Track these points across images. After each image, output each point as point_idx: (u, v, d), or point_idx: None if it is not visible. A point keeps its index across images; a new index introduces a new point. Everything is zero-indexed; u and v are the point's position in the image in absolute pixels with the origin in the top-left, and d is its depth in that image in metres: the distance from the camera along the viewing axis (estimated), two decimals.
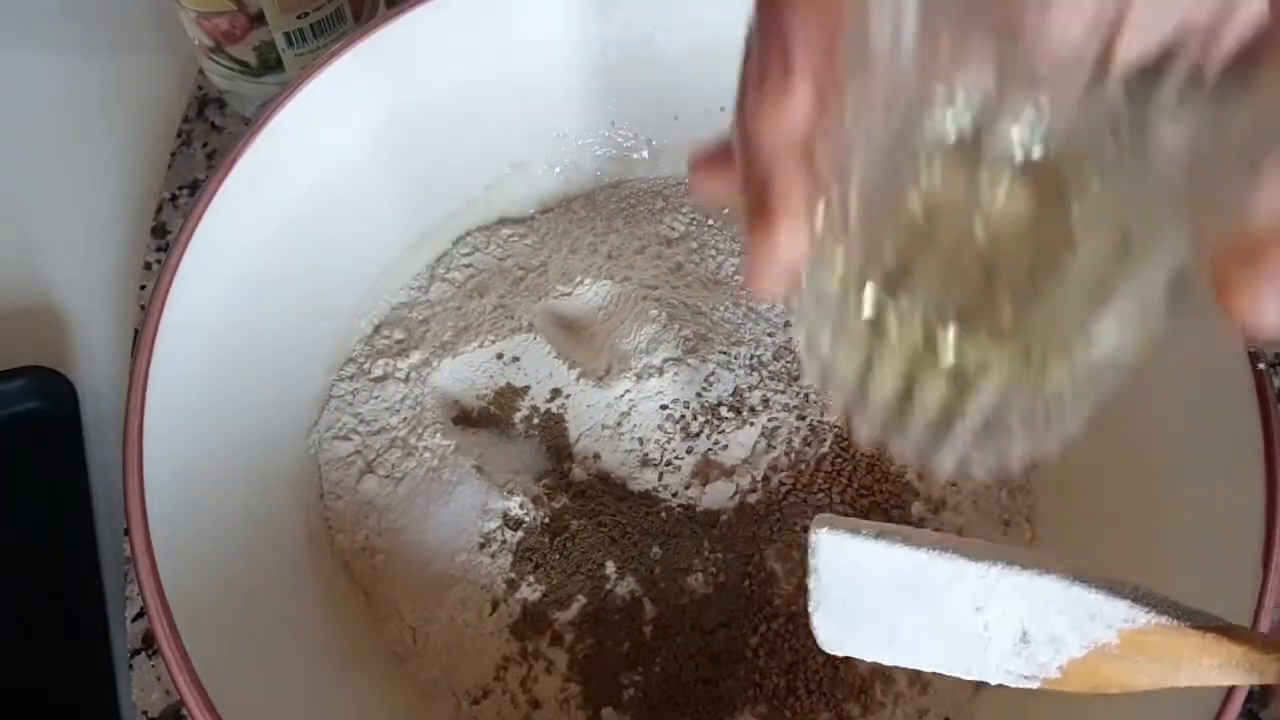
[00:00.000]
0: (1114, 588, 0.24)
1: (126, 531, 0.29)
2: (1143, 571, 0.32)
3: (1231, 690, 0.28)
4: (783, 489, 0.36)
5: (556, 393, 0.38)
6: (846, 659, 0.34)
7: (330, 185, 0.38)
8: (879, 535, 0.24)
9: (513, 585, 0.35)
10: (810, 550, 0.25)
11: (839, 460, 0.37)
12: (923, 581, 0.24)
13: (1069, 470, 0.36)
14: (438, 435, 0.38)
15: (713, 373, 0.37)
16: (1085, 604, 0.24)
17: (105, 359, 0.43)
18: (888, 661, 0.25)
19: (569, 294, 0.39)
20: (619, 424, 0.37)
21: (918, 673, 0.34)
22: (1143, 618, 0.24)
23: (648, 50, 0.41)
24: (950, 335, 0.19)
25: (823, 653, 0.34)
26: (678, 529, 0.35)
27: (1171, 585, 0.31)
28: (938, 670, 0.25)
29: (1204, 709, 0.28)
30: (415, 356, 0.39)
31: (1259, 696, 0.36)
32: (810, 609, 0.25)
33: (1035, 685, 0.24)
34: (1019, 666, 0.24)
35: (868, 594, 0.24)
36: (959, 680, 0.35)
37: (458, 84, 0.39)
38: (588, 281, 0.39)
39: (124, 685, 0.37)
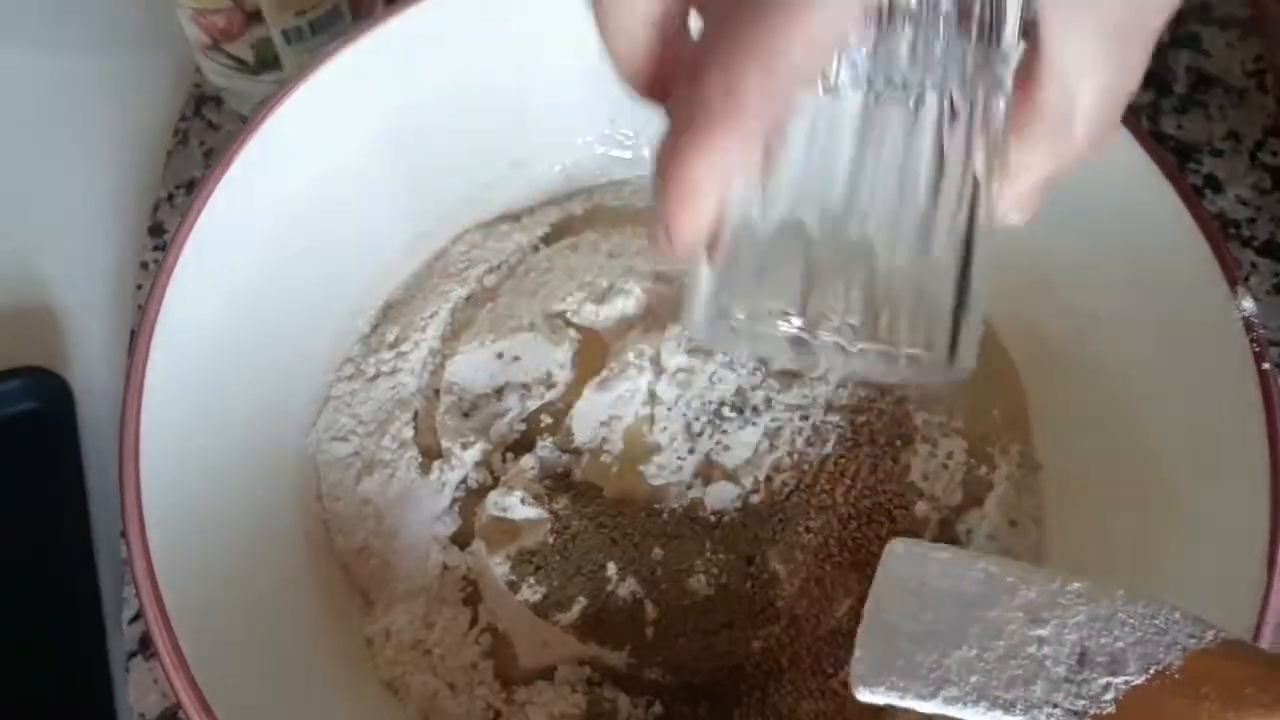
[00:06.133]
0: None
1: (123, 533, 0.29)
2: (1148, 572, 0.32)
3: None
4: (785, 490, 0.36)
5: (557, 392, 0.38)
6: (849, 661, 0.34)
7: (328, 183, 0.37)
8: (950, 549, 0.24)
9: (513, 587, 0.34)
10: (881, 563, 0.24)
11: (842, 461, 0.36)
12: (987, 592, 0.23)
13: (1075, 472, 0.36)
14: (438, 436, 0.37)
15: (715, 373, 0.36)
16: (1152, 616, 0.23)
17: (101, 359, 0.43)
18: (922, 706, 0.23)
19: (570, 293, 0.39)
20: (619, 424, 0.37)
21: None
22: (1210, 634, 0.23)
23: None
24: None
25: (826, 650, 0.34)
26: (680, 530, 0.35)
27: (1176, 587, 0.31)
28: (977, 717, 0.23)
29: None
30: (414, 356, 0.39)
31: None
32: (860, 633, 0.24)
33: None
34: (1069, 700, 0.23)
35: (928, 609, 0.24)
36: None
37: (457, 81, 0.39)
38: (588, 280, 0.39)
39: (121, 688, 0.36)
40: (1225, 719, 0.22)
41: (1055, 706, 0.23)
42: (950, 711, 0.23)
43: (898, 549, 0.25)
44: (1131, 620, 0.23)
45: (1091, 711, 0.22)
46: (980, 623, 0.23)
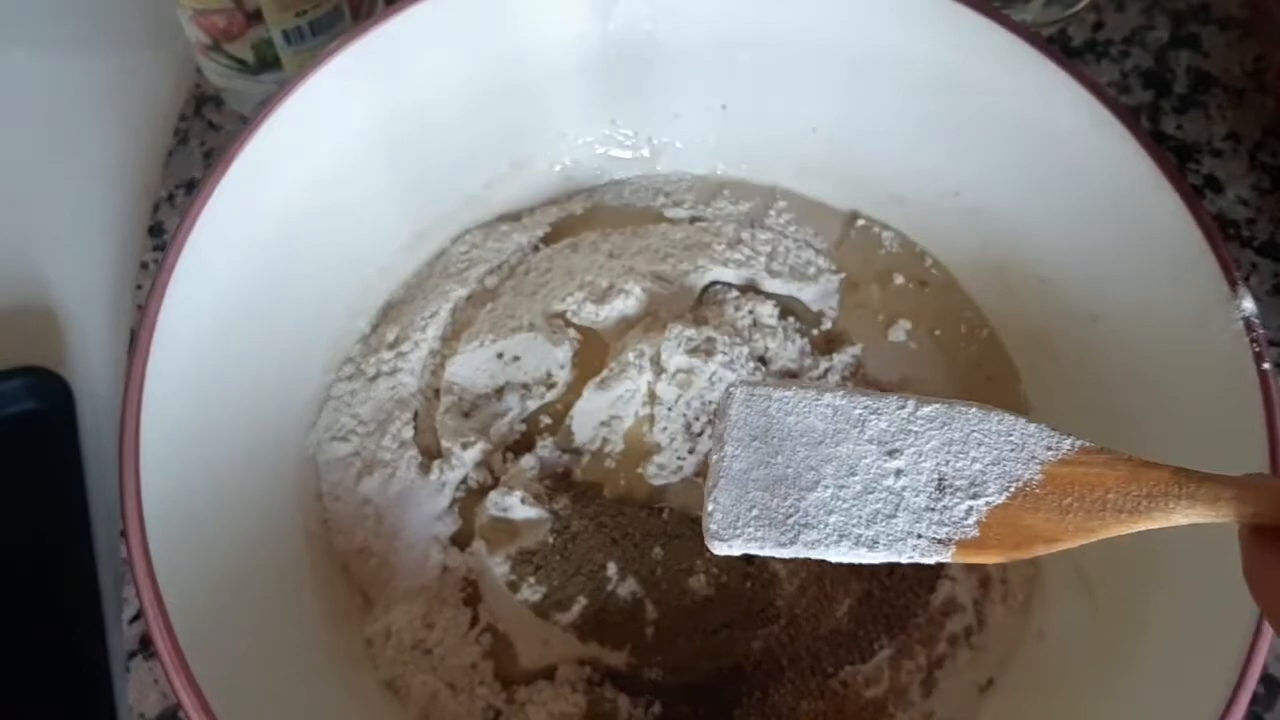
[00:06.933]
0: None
1: (123, 533, 0.29)
2: (1147, 571, 0.32)
3: (1236, 692, 0.28)
4: None
5: (557, 393, 0.38)
6: (849, 662, 0.34)
7: (328, 184, 0.37)
8: (794, 386, 0.23)
9: (513, 587, 0.34)
10: (720, 412, 0.23)
11: None
12: (836, 427, 0.23)
13: None
14: (438, 436, 0.37)
15: (715, 373, 0.36)
16: (1006, 433, 0.22)
17: (101, 359, 0.42)
18: (783, 552, 0.23)
19: (570, 293, 0.39)
20: (619, 424, 0.37)
21: (926, 675, 0.34)
22: (1066, 443, 0.22)
23: (648, 48, 0.40)
24: None
25: (826, 650, 0.34)
26: (680, 530, 0.35)
27: (1175, 585, 0.31)
28: (840, 557, 0.22)
29: (1208, 711, 0.28)
30: (414, 356, 0.39)
31: (1264, 698, 0.36)
32: (707, 489, 0.23)
33: (948, 556, 0.22)
34: (932, 529, 0.22)
35: (776, 453, 0.23)
36: (965, 681, 0.34)
37: (456, 82, 0.39)
38: (588, 280, 0.39)
39: (121, 687, 0.36)
40: (1090, 527, 0.22)
41: (919, 538, 0.22)
42: (814, 555, 0.22)
43: (738, 394, 0.23)
44: (987, 440, 0.22)
45: (955, 538, 0.22)
46: (833, 461, 0.22)
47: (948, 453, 0.22)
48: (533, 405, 0.38)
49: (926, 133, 0.39)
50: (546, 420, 0.38)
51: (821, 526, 0.22)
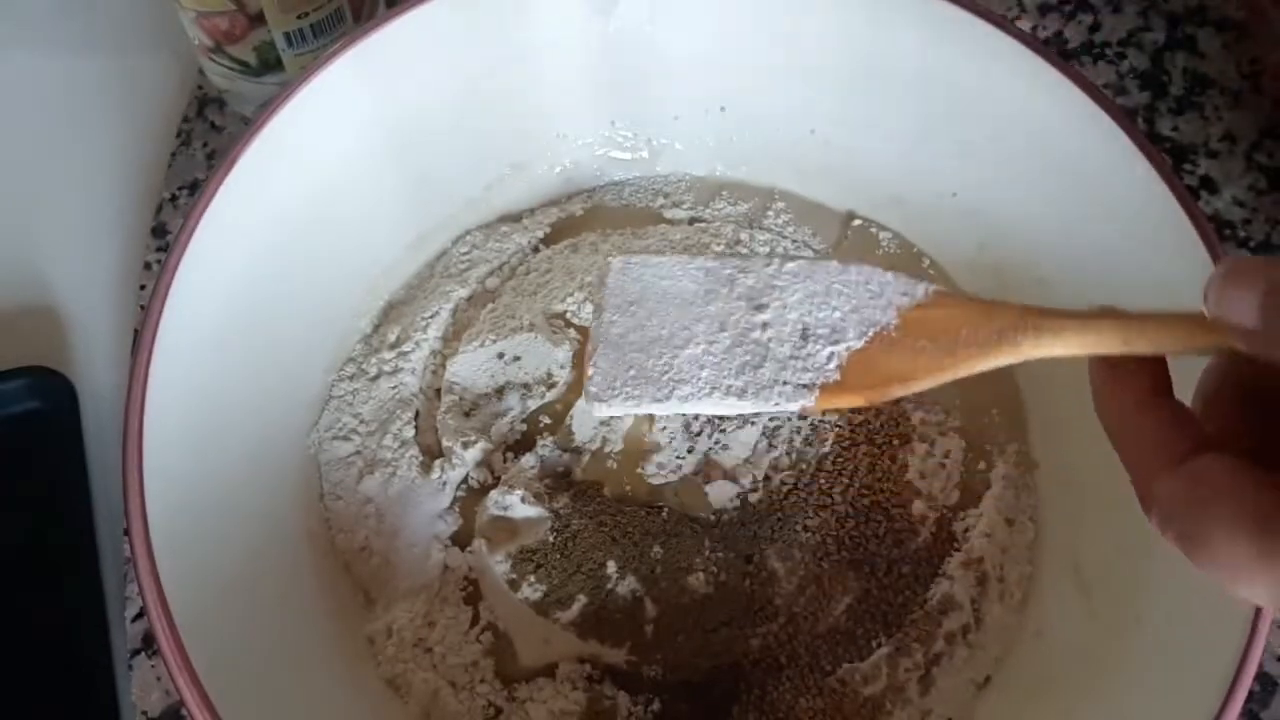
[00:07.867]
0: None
1: (126, 531, 0.29)
2: (1144, 573, 0.32)
3: (1231, 690, 0.28)
4: (784, 489, 0.36)
5: (557, 392, 0.38)
6: (847, 660, 0.34)
7: (330, 185, 0.38)
8: (669, 254, 0.25)
9: (514, 585, 0.35)
10: (600, 284, 0.24)
11: (840, 460, 0.37)
12: (708, 288, 0.24)
13: (1073, 470, 0.36)
14: (439, 435, 0.38)
15: None
16: (865, 282, 0.24)
17: (105, 359, 0.43)
18: (660, 408, 0.24)
19: (570, 293, 0.39)
20: (619, 424, 0.37)
21: (923, 672, 0.34)
22: (921, 288, 0.24)
23: (648, 50, 0.41)
24: None
25: (824, 648, 0.34)
26: (679, 529, 0.35)
27: (1174, 583, 0.31)
28: (712, 409, 0.24)
29: (1204, 709, 0.28)
30: (415, 356, 0.39)
31: (1260, 696, 0.36)
32: (588, 355, 0.24)
33: (812, 400, 0.23)
34: (797, 376, 0.23)
35: (651, 316, 0.24)
36: (962, 679, 0.35)
37: (457, 84, 0.39)
38: (588, 281, 0.39)
39: (124, 685, 0.37)
40: (944, 364, 0.23)
41: (785, 384, 0.23)
42: (688, 409, 0.24)
43: (615, 265, 0.25)
44: (847, 290, 0.24)
45: (819, 382, 0.23)
46: (705, 319, 0.24)
47: (811, 304, 0.24)
48: (533, 405, 0.38)
49: (924, 134, 0.40)
50: (546, 420, 0.38)
51: (695, 381, 0.23)
